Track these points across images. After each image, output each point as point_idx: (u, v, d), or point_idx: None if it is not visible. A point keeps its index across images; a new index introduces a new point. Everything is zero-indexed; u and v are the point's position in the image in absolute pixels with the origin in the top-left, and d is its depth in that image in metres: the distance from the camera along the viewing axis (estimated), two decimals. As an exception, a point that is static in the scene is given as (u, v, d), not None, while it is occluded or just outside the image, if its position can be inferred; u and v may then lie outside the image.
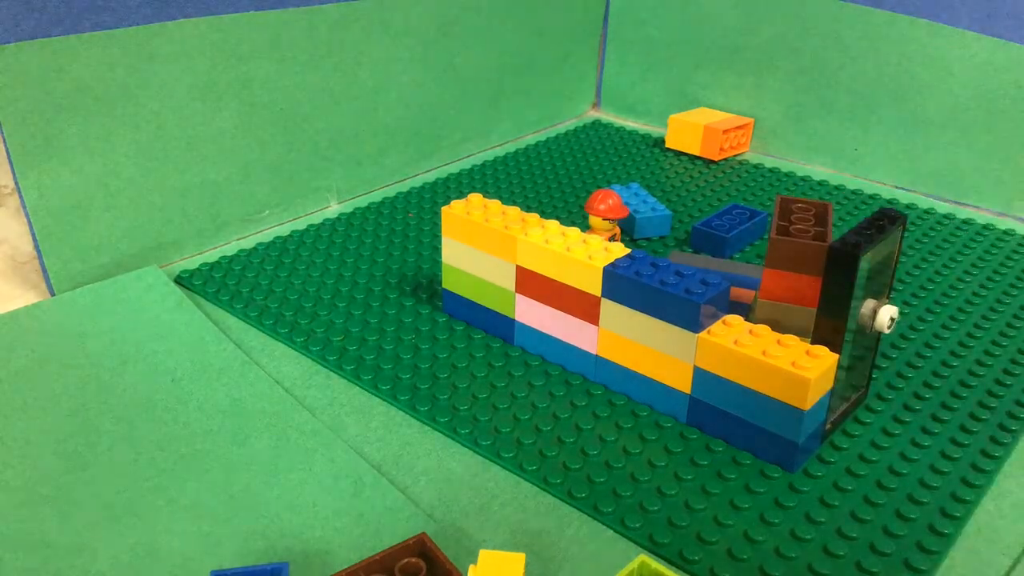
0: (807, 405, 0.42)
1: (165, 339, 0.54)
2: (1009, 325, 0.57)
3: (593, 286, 0.49)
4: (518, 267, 0.52)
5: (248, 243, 0.67)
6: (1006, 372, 0.52)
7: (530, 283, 0.52)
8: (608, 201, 0.59)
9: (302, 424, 0.48)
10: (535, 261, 0.51)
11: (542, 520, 0.42)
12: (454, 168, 0.83)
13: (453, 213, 0.54)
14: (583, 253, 0.50)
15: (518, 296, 0.53)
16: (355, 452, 0.46)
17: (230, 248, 0.66)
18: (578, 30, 0.95)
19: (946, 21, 0.75)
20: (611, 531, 0.41)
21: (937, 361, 0.53)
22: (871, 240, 0.45)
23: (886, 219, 0.47)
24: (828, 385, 0.44)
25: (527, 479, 0.44)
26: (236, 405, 0.49)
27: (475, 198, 0.55)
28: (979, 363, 0.53)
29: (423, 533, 0.37)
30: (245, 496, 0.43)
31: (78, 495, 0.43)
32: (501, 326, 0.55)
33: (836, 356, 0.44)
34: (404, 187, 0.78)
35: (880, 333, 0.48)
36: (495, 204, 0.55)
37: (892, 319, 0.47)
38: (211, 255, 0.65)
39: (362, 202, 0.75)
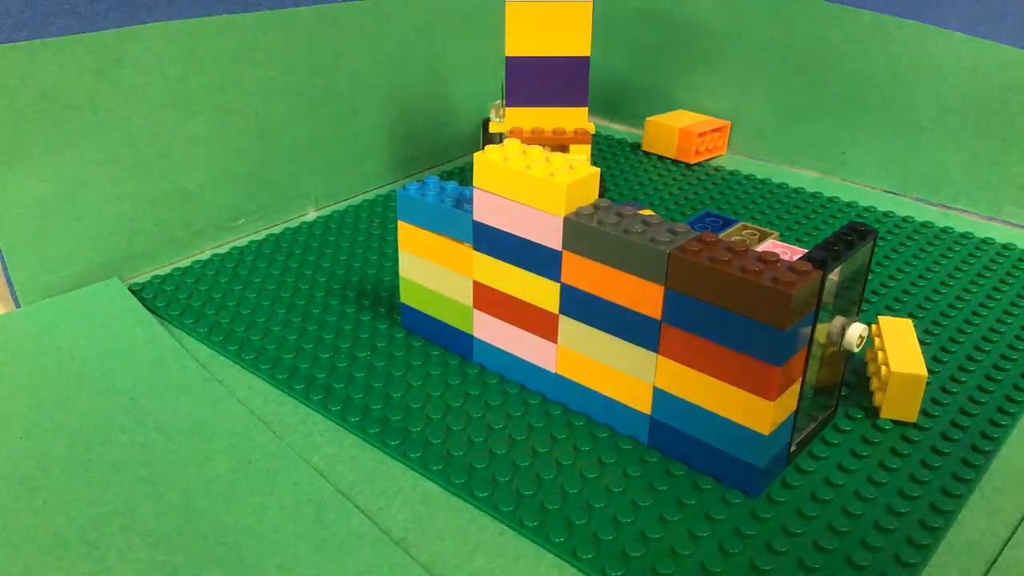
0: (768, 429, 0.41)
1: (125, 355, 0.52)
2: (985, 339, 0.56)
3: (551, 302, 0.47)
4: (475, 282, 0.50)
5: (205, 255, 0.65)
6: (980, 389, 0.51)
7: (487, 298, 0.50)
8: None
9: (265, 445, 0.46)
10: (491, 277, 0.49)
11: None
12: (437, 173, 0.81)
13: (408, 224, 0.52)
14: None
15: (476, 311, 0.51)
16: (319, 474, 0.44)
17: (189, 260, 0.64)
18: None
19: (934, 22, 0.73)
20: (563, 562, 0.39)
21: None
22: (838, 256, 0.43)
23: (855, 234, 0.45)
24: (791, 407, 0.42)
25: (478, 507, 0.42)
26: (197, 425, 0.47)
27: (432, 209, 0.53)
28: (953, 379, 0.51)
29: None
30: (203, 521, 0.41)
31: (27, 523, 0.41)
32: (460, 342, 0.53)
33: (798, 377, 0.42)
34: (384, 192, 0.76)
35: (849, 351, 0.46)
36: (453, 216, 0.53)
37: (861, 337, 0.45)
38: (169, 268, 0.63)
39: (340, 208, 0.73)
